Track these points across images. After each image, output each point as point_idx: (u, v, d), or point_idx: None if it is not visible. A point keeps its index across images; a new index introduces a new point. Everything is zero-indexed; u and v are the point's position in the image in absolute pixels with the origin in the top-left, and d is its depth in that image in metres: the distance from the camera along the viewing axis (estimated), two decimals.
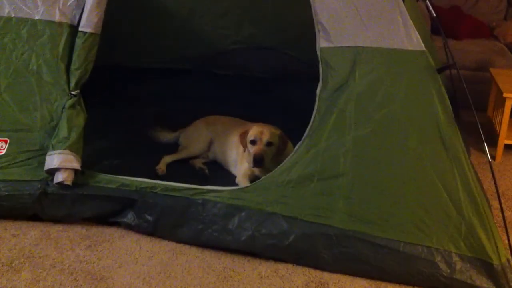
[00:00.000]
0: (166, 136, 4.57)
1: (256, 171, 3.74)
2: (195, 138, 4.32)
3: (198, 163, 4.18)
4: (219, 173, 4.11)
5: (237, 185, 3.76)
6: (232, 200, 3.11)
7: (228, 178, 3.95)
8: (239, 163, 3.96)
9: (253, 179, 3.76)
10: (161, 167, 4.00)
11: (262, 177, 3.14)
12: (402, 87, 2.84)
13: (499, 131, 4.39)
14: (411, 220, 2.86)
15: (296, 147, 3.07)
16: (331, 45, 2.95)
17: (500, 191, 3.85)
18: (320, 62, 2.99)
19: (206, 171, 4.08)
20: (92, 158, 3.52)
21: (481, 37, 6.09)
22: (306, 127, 3.65)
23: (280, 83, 5.36)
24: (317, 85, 3.01)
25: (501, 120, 4.34)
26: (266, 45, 5.26)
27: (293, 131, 3.86)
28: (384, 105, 2.87)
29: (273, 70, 5.42)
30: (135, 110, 4.97)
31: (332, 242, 2.92)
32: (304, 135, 3.04)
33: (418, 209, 2.85)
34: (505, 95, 4.22)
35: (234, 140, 4.10)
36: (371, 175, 2.91)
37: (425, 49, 2.81)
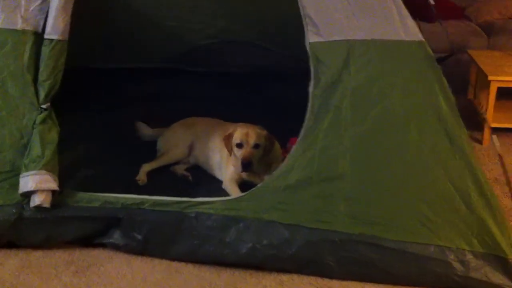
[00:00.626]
0: (145, 131, 4.42)
1: (244, 174, 3.56)
2: (174, 143, 4.09)
3: (180, 169, 3.97)
4: (203, 178, 3.91)
5: (224, 190, 3.57)
6: (227, 211, 2.93)
7: (214, 183, 3.77)
8: (224, 166, 3.77)
9: (240, 182, 3.59)
10: (141, 177, 3.78)
11: (258, 185, 2.97)
12: (400, 80, 2.71)
13: (484, 115, 4.32)
14: (417, 218, 2.73)
15: (292, 149, 2.89)
16: (322, 40, 2.79)
17: (492, 177, 3.78)
18: (310, 58, 2.83)
19: (190, 177, 3.87)
20: (62, 170, 3.20)
21: (454, 18, 6.02)
22: (292, 124, 3.50)
23: (259, 79, 5.15)
24: (300, 79, 2.91)
25: (487, 103, 4.26)
26: (242, 39, 5.02)
27: (277, 129, 3.76)
28: (382, 100, 2.73)
29: (251, 65, 5.20)
30: (104, 115, 4.68)
31: (336, 247, 2.77)
32: (299, 137, 2.86)
33: (424, 207, 2.73)
34: (490, 78, 4.14)
35: (216, 142, 3.91)
36: (372, 174, 2.77)
37: (423, 39, 2.68)
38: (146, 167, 3.88)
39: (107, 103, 4.78)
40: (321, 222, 2.80)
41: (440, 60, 2.71)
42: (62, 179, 3.10)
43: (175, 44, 5.14)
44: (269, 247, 2.83)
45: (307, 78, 4.44)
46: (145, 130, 4.43)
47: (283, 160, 3.65)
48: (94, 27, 4.33)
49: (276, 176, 2.90)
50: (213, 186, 3.74)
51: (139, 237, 3.01)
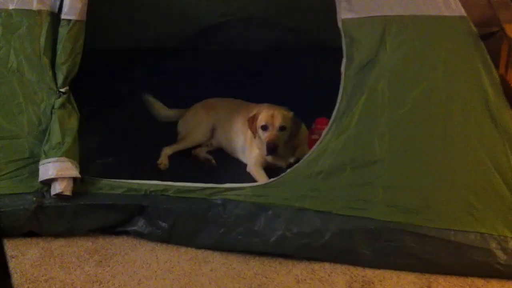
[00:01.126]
0: (163, 112, 4.22)
1: (269, 158, 3.42)
2: (195, 126, 3.95)
3: (202, 153, 3.83)
4: (227, 162, 3.77)
5: (248, 174, 3.44)
6: (256, 198, 2.80)
7: (238, 167, 3.63)
8: (248, 149, 3.63)
9: (266, 166, 3.45)
10: (163, 161, 3.65)
11: (287, 171, 2.81)
12: (441, 59, 2.55)
13: None
14: (460, 205, 2.60)
15: (323, 134, 2.74)
16: (355, 16, 2.64)
17: None
18: (343, 36, 2.68)
19: (213, 161, 3.73)
20: (83, 157, 3.08)
21: None
22: (312, 105, 3.37)
23: (278, 57, 4.97)
24: (318, 57, 2.79)
25: None
26: (258, 15, 4.84)
27: (300, 108, 3.57)
28: (422, 80, 2.58)
29: (268, 43, 5.04)
30: (120, 98, 4.53)
31: (372, 236, 2.64)
32: (331, 120, 2.72)
33: (467, 193, 2.59)
34: None
35: (239, 124, 3.76)
36: (411, 159, 2.63)
37: (465, 14, 2.49)
38: (167, 151, 3.75)
39: (120, 86, 4.63)
40: (356, 210, 2.67)
41: (485, 37, 2.51)
42: (81, 168, 2.99)
43: (190, 23, 4.99)
44: (300, 235, 2.71)
45: (327, 57, 4.36)
46: (162, 110, 4.25)
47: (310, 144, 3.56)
48: (104, 6, 4.15)
49: (306, 162, 2.76)
50: (238, 170, 3.61)
51: (164, 225, 2.89)
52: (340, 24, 2.67)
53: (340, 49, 2.71)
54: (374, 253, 2.65)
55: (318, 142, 2.75)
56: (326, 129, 2.74)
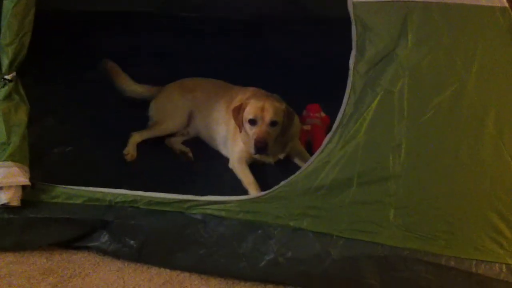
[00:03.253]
0: (130, 86, 3.68)
1: (256, 155, 2.96)
2: (169, 110, 3.45)
3: (177, 144, 3.36)
4: (207, 154, 3.30)
5: (231, 170, 3.00)
6: (243, 214, 2.39)
7: (220, 161, 3.18)
8: (231, 141, 3.19)
9: (251, 162, 2.99)
10: (130, 150, 3.19)
11: (281, 183, 2.37)
12: (476, 57, 2.13)
13: None
14: (484, 231, 2.22)
15: (325, 140, 2.29)
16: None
17: None
18: (353, 23, 2.25)
19: (190, 154, 3.27)
20: (37, 146, 2.66)
21: None
22: (305, 86, 3.23)
23: (268, 30, 4.49)
24: (314, 30, 2.42)
25: None
26: None
27: (288, 93, 3.19)
28: (450, 83, 2.15)
29: (258, 13, 4.49)
30: (82, 71, 3.95)
31: (382, 265, 2.26)
32: (335, 125, 2.29)
33: (494, 218, 2.21)
34: None
35: (221, 112, 3.31)
36: (431, 176, 2.22)
37: (506, 5, 2.05)
38: (135, 138, 3.27)
39: (81, 56, 4.02)
40: (363, 233, 2.28)
41: None
42: (33, 160, 2.53)
43: None
44: (295, 261, 2.33)
45: (326, 30, 3.87)
46: (127, 83, 3.68)
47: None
48: None
49: (305, 174, 2.33)
50: (218, 165, 3.15)
51: (133, 243, 2.46)
52: (350, 8, 2.22)
53: (342, 22, 2.34)
54: (383, 285, 2.28)
55: (319, 151, 2.31)
56: (329, 135, 2.28)
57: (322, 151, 2.30)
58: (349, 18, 2.23)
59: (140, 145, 3.25)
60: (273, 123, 2.87)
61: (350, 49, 2.24)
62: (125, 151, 3.15)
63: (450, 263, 2.21)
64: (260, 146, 2.82)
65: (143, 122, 3.45)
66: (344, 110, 2.26)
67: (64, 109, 3.48)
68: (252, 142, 2.85)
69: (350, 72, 2.25)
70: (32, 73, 2.64)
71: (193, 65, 4.00)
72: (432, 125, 2.16)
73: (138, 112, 3.56)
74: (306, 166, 2.33)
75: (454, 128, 2.15)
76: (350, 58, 2.25)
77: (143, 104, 3.59)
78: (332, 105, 2.52)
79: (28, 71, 2.54)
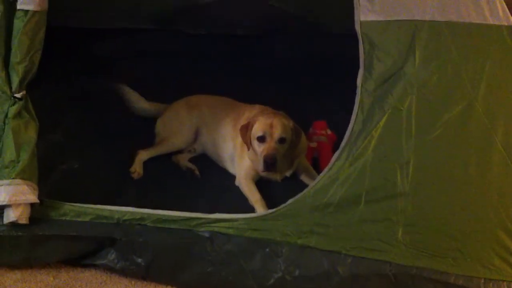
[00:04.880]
0: (140, 104, 3.71)
1: (265, 173, 2.95)
2: (176, 127, 3.45)
3: (184, 160, 3.36)
4: (214, 171, 3.30)
5: (237, 187, 3.01)
6: (251, 231, 2.38)
7: (227, 179, 3.18)
8: (238, 158, 3.17)
9: (258, 179, 2.99)
10: (136, 168, 3.17)
11: (289, 201, 2.37)
12: (484, 74, 2.15)
13: None
14: (494, 249, 2.22)
15: (333, 158, 2.29)
16: (379, 18, 2.21)
17: None
18: (360, 41, 2.26)
19: (196, 172, 3.26)
20: (44, 162, 2.62)
21: None
22: (309, 102, 3.24)
23: (267, 42, 4.56)
24: (316, 44, 2.33)
25: None
26: None
27: (292, 109, 3.20)
28: (458, 100, 2.17)
29: (257, 26, 4.59)
30: (89, 87, 3.98)
31: (390, 283, 2.25)
32: (343, 142, 2.30)
33: (503, 235, 2.22)
34: None
35: (228, 129, 3.31)
36: (439, 193, 2.22)
37: None
38: (142, 155, 3.27)
39: (89, 73, 4.06)
40: (371, 251, 2.27)
41: None
42: (41, 176, 2.53)
43: (169, 1, 4.44)
44: (303, 279, 2.31)
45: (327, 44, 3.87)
46: (139, 102, 3.72)
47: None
48: None
49: (313, 191, 2.33)
50: (225, 182, 3.15)
51: (140, 260, 2.45)
52: (357, 27, 2.23)
53: (342, 36, 2.48)
54: None
55: (327, 168, 2.31)
56: (337, 153, 2.29)
57: (330, 169, 2.30)
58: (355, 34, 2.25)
59: (147, 162, 3.25)
60: (281, 140, 2.87)
61: (357, 64, 2.26)
62: (131, 169, 3.15)
63: (458, 281, 2.19)
64: (269, 162, 2.82)
65: (150, 137, 3.46)
66: (352, 128, 2.27)
67: (70, 123, 3.47)
68: (261, 159, 2.85)
69: (358, 90, 2.26)
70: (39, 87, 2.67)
71: (198, 81, 4.03)
72: (441, 143, 2.16)
73: (145, 127, 3.58)
74: (314, 183, 2.33)
75: (462, 145, 2.16)
76: (358, 76, 2.26)
77: (150, 119, 3.62)
78: (338, 122, 2.54)
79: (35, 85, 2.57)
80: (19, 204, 2.36)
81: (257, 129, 2.88)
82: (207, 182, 3.20)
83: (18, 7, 2.37)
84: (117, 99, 3.75)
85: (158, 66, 4.40)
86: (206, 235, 2.40)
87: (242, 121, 3.09)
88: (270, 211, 2.42)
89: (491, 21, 2.09)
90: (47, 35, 2.51)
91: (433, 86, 2.15)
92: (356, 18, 2.22)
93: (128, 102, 3.71)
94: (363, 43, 2.22)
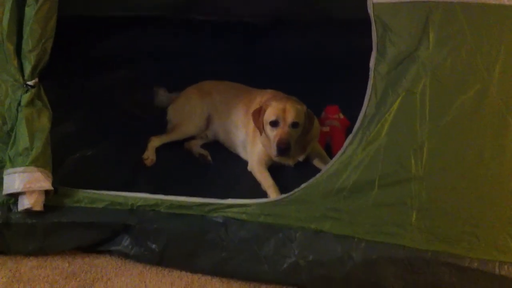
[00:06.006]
0: (165, 98, 3.79)
1: (277, 157, 2.94)
2: (187, 114, 3.45)
3: (196, 147, 3.36)
4: (226, 157, 3.30)
5: (250, 173, 2.99)
6: (264, 217, 2.37)
7: (239, 164, 3.18)
8: (251, 144, 3.16)
9: (271, 164, 2.98)
10: (149, 155, 3.19)
11: (302, 185, 2.35)
12: (499, 57, 2.08)
13: None
14: (508, 233, 2.18)
15: (346, 142, 2.27)
16: (392, 0, 2.16)
17: None
18: (373, 24, 2.21)
19: (208, 158, 3.26)
20: (58, 151, 2.64)
21: None
22: (319, 88, 3.22)
23: (278, 31, 4.52)
24: (326, 31, 2.35)
25: None
26: None
27: (303, 94, 3.16)
28: (473, 83, 2.11)
29: (267, 14, 4.53)
30: (102, 76, 4.01)
31: (404, 268, 2.23)
32: (356, 126, 2.27)
33: None
34: None
35: (240, 115, 3.30)
36: (453, 177, 2.18)
37: None
38: (154, 142, 3.27)
39: (96, 62, 4.07)
40: (385, 235, 2.25)
41: None
42: (55, 164, 2.54)
43: None
44: (317, 264, 2.30)
45: (337, 31, 3.85)
46: (164, 94, 3.81)
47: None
48: None
49: (326, 176, 2.31)
50: (238, 170, 3.14)
51: (154, 246, 2.46)
52: (370, 9, 2.18)
53: (351, 22, 2.46)
54: None
55: (340, 152, 2.29)
56: (350, 137, 2.27)
57: (343, 153, 2.28)
58: (365, 19, 2.22)
59: (159, 149, 3.25)
60: (294, 125, 2.85)
61: (369, 50, 2.23)
62: (144, 156, 3.16)
63: (473, 265, 2.17)
64: (283, 147, 2.80)
65: (161, 126, 3.46)
66: (365, 112, 2.24)
67: (82, 113, 3.49)
68: (274, 144, 2.83)
69: (371, 73, 2.22)
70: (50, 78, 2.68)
71: (208, 67, 4.02)
72: (455, 126, 2.12)
73: (155, 116, 3.59)
74: (328, 168, 2.31)
75: (477, 129, 2.12)
76: (371, 59, 2.22)
77: (161, 109, 3.63)
78: (350, 106, 2.52)
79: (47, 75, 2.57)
80: (34, 191, 2.38)
81: (270, 114, 2.87)
82: (220, 168, 3.19)
83: None
84: (129, 90, 3.78)
85: (161, 63, 4.38)
86: (220, 220, 2.40)
87: (254, 106, 3.08)
88: (283, 196, 2.41)
89: (506, 1, 2.04)
90: (60, 27, 2.51)
91: (447, 69, 2.10)
92: (368, 0, 2.18)
93: (157, 100, 3.79)
94: (376, 26, 2.18)
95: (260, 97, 3.19)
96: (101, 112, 3.61)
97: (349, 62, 3.08)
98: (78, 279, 2.45)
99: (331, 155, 3.01)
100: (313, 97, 3.18)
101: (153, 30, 4.55)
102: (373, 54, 2.22)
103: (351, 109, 2.43)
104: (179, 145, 3.36)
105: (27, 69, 2.42)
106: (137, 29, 4.52)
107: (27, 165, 2.37)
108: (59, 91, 3.24)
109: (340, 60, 4.01)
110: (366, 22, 2.20)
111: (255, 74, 3.86)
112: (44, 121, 2.45)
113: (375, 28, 2.19)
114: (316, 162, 3.08)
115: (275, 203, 2.40)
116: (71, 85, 3.73)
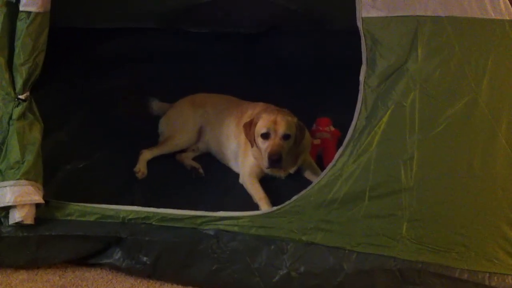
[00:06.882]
0: (158, 107, 3.77)
1: (269, 169, 2.96)
2: (180, 126, 3.45)
3: (188, 159, 3.36)
4: (218, 170, 3.30)
5: (241, 185, 3.01)
6: (256, 229, 2.39)
7: (231, 177, 3.19)
8: (242, 156, 3.18)
9: (262, 176, 2.99)
10: (141, 168, 3.17)
11: (294, 198, 2.37)
12: (487, 69, 2.14)
13: None
14: (498, 243, 2.22)
15: (337, 154, 2.30)
16: (381, 14, 2.20)
17: None
18: (363, 38, 2.25)
19: (200, 170, 3.26)
20: (50, 162, 2.65)
21: None
22: (312, 94, 3.22)
23: (269, 39, 4.60)
24: (318, 40, 2.31)
25: None
26: None
27: (295, 106, 3.20)
28: (462, 95, 2.15)
29: (259, 23, 4.61)
30: (95, 85, 4.01)
31: (395, 278, 2.25)
32: (347, 139, 2.30)
33: (507, 229, 2.21)
34: None
35: (231, 127, 3.30)
36: (443, 188, 2.22)
37: None
38: (146, 155, 3.26)
39: (92, 72, 4.10)
40: (376, 246, 2.28)
41: None
42: (46, 176, 2.54)
43: (172, 1, 4.46)
44: (309, 275, 2.32)
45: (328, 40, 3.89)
46: (157, 106, 3.79)
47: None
48: None
49: (317, 188, 2.33)
50: (229, 180, 3.15)
51: (146, 259, 2.46)
52: (359, 24, 2.23)
53: (343, 32, 2.48)
54: None
55: (331, 165, 2.31)
56: (341, 149, 2.29)
57: (334, 165, 2.30)
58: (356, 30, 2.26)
59: (151, 162, 3.25)
60: (286, 136, 2.87)
61: (359, 60, 2.26)
62: (136, 169, 3.15)
63: (463, 276, 2.20)
64: (274, 159, 2.82)
65: (154, 137, 3.47)
66: (356, 124, 2.27)
67: (74, 123, 3.48)
68: (266, 156, 2.85)
69: (361, 86, 2.25)
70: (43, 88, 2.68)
71: (200, 82, 4.04)
72: (444, 138, 2.16)
73: (148, 127, 3.58)
74: (319, 180, 2.34)
75: (466, 140, 2.16)
76: (361, 73, 2.26)
77: (154, 119, 3.63)
78: (341, 119, 2.54)
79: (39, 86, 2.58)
80: (25, 205, 2.38)
81: (261, 126, 2.89)
82: (212, 180, 3.20)
83: (21, 9, 2.37)
84: (122, 100, 3.78)
85: (161, 67, 4.40)
86: (211, 233, 2.41)
87: (245, 119, 3.10)
88: (275, 208, 2.42)
89: (493, 15, 2.08)
90: (52, 36, 2.52)
91: (436, 81, 2.14)
92: (357, 14, 2.21)
93: (153, 108, 3.77)
94: (365, 39, 2.22)
95: (252, 109, 3.21)
96: (95, 121, 3.60)
97: (341, 74, 3.10)
98: None
99: (322, 167, 3.02)
100: (306, 107, 3.21)
101: (147, 41, 4.57)
102: (363, 68, 2.25)
103: (344, 120, 2.45)
104: (171, 157, 3.36)
105: (19, 82, 2.43)
106: (131, 41, 4.55)
107: (18, 178, 2.37)
108: (50, 100, 3.27)
109: (333, 71, 4.05)
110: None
111: (248, 85, 3.90)
112: (36, 134, 2.46)
113: (364, 42, 2.22)
114: (307, 174, 3.10)
115: (266, 215, 2.41)
116: (65, 93, 3.72)
